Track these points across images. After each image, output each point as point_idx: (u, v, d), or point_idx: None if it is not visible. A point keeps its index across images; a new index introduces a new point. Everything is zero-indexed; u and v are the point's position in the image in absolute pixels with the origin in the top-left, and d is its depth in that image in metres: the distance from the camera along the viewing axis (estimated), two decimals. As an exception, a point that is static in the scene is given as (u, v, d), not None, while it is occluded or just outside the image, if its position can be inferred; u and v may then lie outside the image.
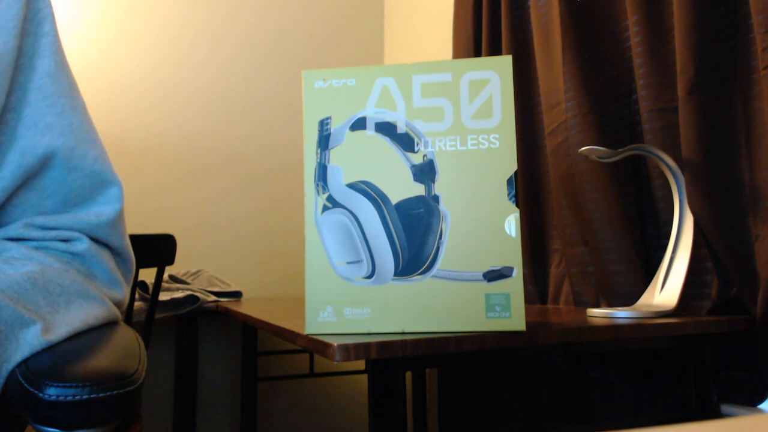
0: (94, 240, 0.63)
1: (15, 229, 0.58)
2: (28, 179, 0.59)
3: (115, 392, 0.38)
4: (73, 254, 0.60)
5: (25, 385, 0.39)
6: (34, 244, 0.59)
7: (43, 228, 0.59)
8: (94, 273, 0.62)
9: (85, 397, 0.37)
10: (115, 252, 0.66)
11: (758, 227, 0.85)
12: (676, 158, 0.92)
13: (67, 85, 0.62)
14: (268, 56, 2.15)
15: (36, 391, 0.37)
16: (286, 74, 2.15)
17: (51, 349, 0.48)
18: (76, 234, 0.61)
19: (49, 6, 0.63)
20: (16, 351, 0.46)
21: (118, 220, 0.64)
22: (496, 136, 0.69)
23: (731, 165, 0.88)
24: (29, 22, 0.60)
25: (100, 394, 0.38)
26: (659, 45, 0.99)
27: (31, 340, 0.48)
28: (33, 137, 0.58)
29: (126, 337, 0.53)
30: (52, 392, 0.37)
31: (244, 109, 2.10)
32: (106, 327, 0.59)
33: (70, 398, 0.37)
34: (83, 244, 0.61)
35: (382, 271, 0.68)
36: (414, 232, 0.68)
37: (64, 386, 0.37)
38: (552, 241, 1.27)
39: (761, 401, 0.84)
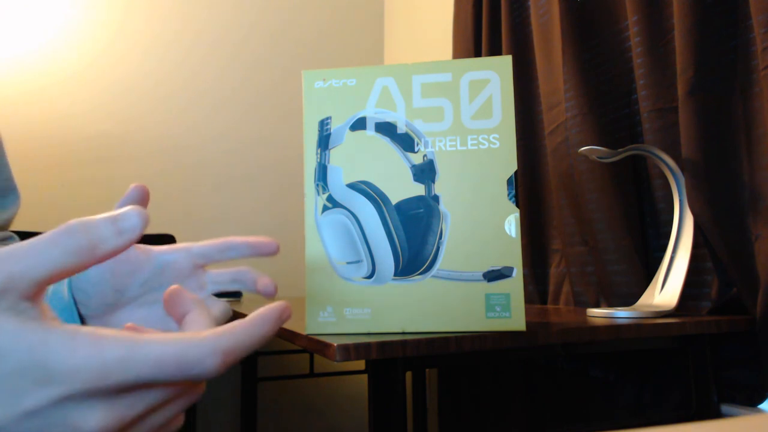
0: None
1: None
2: None
3: None
4: None
5: None
6: None
7: None
8: None
9: None
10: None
11: (758, 227, 0.84)
12: (676, 158, 0.92)
13: None
14: (268, 56, 2.15)
15: None
16: (287, 74, 2.15)
17: None
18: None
19: None
20: None
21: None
22: (496, 136, 0.69)
23: (731, 165, 0.88)
24: None
25: None
26: (659, 45, 0.99)
27: None
28: None
29: None
30: None
31: (245, 110, 2.09)
32: None
33: None
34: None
35: (382, 271, 0.68)
36: (414, 232, 0.68)
37: None
38: (552, 241, 1.27)
39: (761, 401, 0.84)
